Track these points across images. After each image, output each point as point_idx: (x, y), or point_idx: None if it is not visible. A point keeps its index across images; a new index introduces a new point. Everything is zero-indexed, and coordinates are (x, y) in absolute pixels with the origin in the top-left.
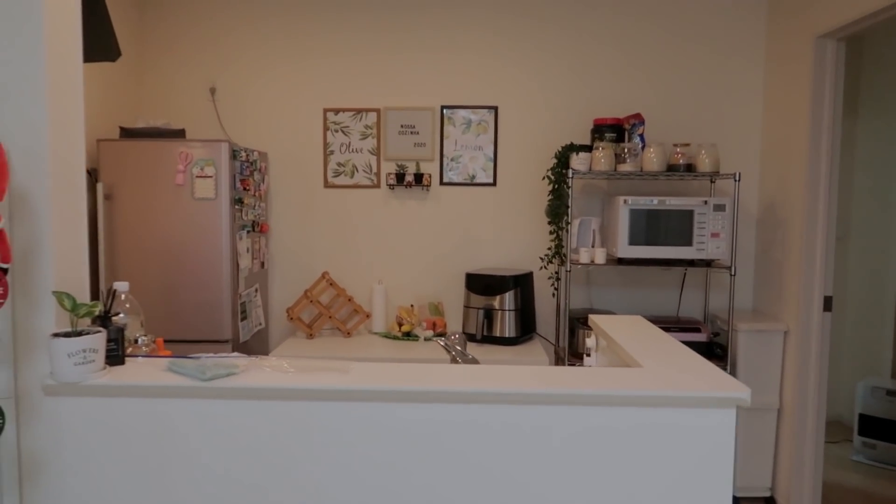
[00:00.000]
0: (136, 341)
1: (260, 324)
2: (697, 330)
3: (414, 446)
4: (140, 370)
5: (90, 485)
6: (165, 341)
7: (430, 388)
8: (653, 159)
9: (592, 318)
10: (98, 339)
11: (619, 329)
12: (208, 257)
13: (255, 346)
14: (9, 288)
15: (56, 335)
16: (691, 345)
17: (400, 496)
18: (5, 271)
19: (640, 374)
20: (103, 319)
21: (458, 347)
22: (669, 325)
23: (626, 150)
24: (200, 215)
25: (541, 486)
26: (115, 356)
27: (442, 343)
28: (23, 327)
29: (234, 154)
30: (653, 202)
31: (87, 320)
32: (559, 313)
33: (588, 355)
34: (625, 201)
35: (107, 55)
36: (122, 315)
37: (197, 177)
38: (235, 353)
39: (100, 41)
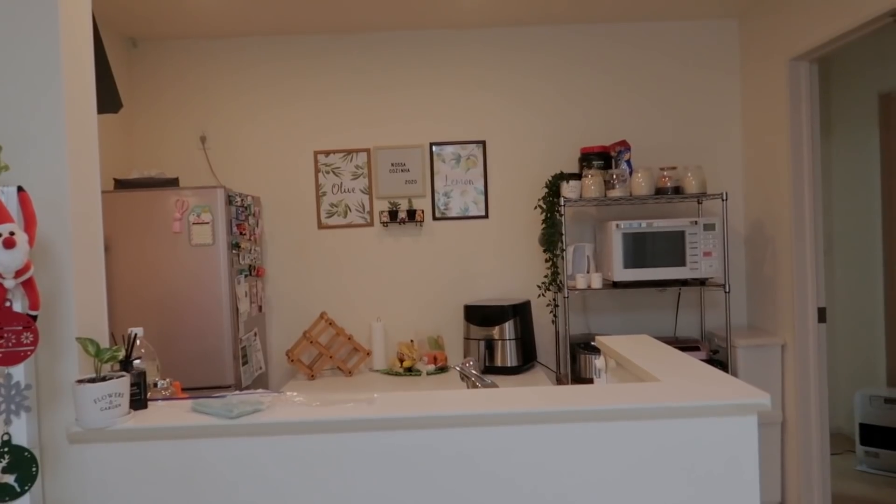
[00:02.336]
0: (154, 385)
1: (260, 368)
2: (697, 348)
3: (449, 471)
4: (165, 412)
5: None
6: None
7: (465, 413)
8: (641, 183)
9: (600, 339)
10: (123, 384)
11: (629, 348)
12: (208, 303)
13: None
14: (38, 335)
15: (81, 381)
16: None
17: None
18: (35, 318)
19: (662, 387)
20: (124, 364)
21: (475, 372)
22: (669, 345)
23: (614, 177)
24: (198, 262)
25: (580, 501)
26: (139, 400)
27: (458, 369)
28: (46, 375)
29: (229, 199)
30: (644, 225)
31: (109, 366)
32: (558, 340)
33: (598, 376)
34: (617, 226)
35: (111, 106)
36: (139, 360)
37: (194, 223)
38: (260, 390)
39: (104, 92)
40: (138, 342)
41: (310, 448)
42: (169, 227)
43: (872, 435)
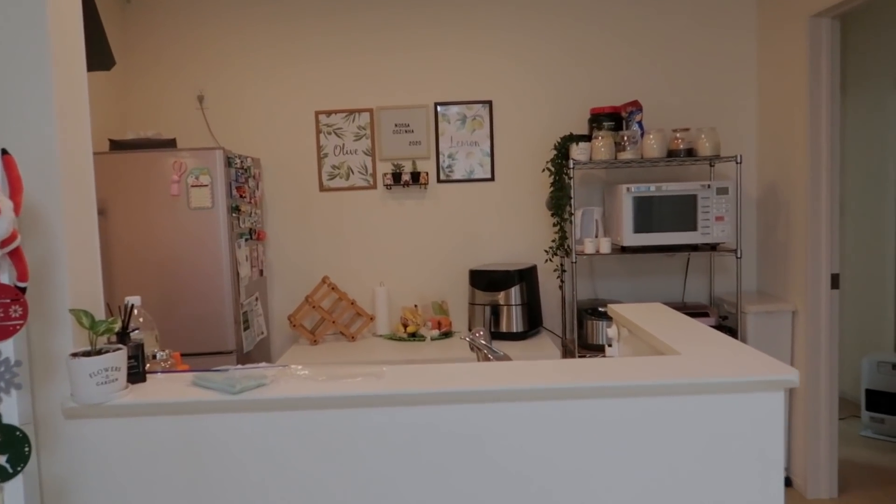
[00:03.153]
0: (153, 357)
1: (262, 333)
2: (706, 314)
3: (463, 447)
4: (165, 387)
5: None
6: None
7: (481, 389)
8: (653, 146)
9: (613, 307)
10: (120, 357)
11: (644, 317)
12: (208, 268)
13: (258, 355)
14: (28, 308)
15: (75, 355)
16: None
17: (449, 499)
18: (23, 290)
19: (684, 361)
20: (121, 336)
21: (485, 343)
22: (677, 311)
23: (625, 139)
24: (197, 226)
25: (600, 478)
26: (137, 373)
27: (468, 339)
28: (38, 349)
29: (228, 161)
30: (655, 189)
31: (105, 338)
32: (565, 305)
33: (609, 346)
34: (627, 189)
35: (102, 64)
36: (137, 331)
37: (192, 186)
38: (263, 364)
39: (95, 50)
40: (136, 312)
41: (317, 424)
42: (167, 189)
43: (879, 401)
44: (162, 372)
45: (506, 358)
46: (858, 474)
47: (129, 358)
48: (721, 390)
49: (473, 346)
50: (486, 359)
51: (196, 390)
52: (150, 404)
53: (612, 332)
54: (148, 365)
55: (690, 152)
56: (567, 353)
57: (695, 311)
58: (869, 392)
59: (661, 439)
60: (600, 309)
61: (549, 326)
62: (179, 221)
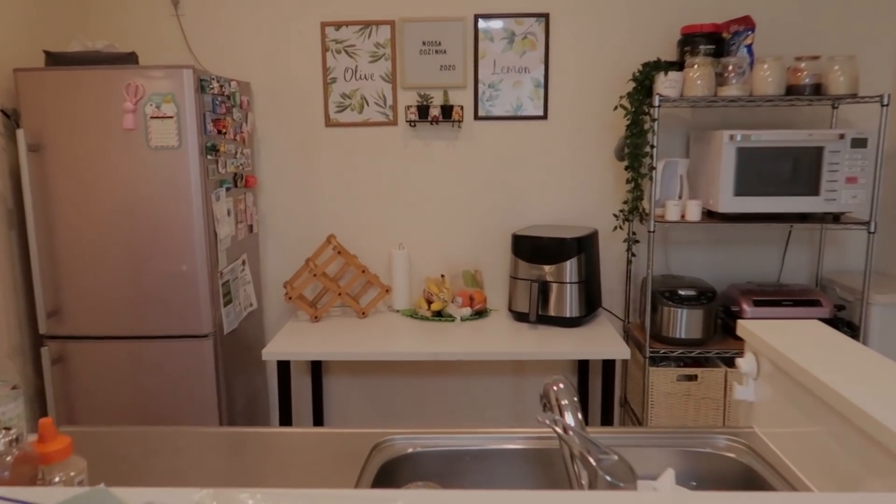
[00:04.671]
0: None
1: (251, 304)
2: (816, 303)
3: None
4: None
5: None
6: (126, 338)
7: None
8: (767, 78)
9: (747, 327)
10: None
11: (798, 345)
12: (174, 227)
13: (248, 333)
14: None
15: None
16: None
17: None
18: None
19: None
20: None
21: (577, 427)
22: (775, 296)
23: (729, 68)
24: (160, 170)
25: None
26: None
27: (548, 422)
28: None
29: (201, 85)
30: (769, 138)
31: None
32: (630, 282)
33: (740, 384)
34: (730, 137)
35: None
36: None
37: (152, 118)
38: (167, 490)
39: None
40: None
41: None
42: (119, 121)
43: None
44: None
45: (624, 466)
46: None
47: None
48: None
49: (561, 440)
50: (572, 460)
51: None
52: None
53: (745, 365)
54: None
55: (818, 89)
56: (630, 341)
57: (799, 299)
58: None
59: None
60: (682, 292)
61: (606, 305)
62: (136, 164)
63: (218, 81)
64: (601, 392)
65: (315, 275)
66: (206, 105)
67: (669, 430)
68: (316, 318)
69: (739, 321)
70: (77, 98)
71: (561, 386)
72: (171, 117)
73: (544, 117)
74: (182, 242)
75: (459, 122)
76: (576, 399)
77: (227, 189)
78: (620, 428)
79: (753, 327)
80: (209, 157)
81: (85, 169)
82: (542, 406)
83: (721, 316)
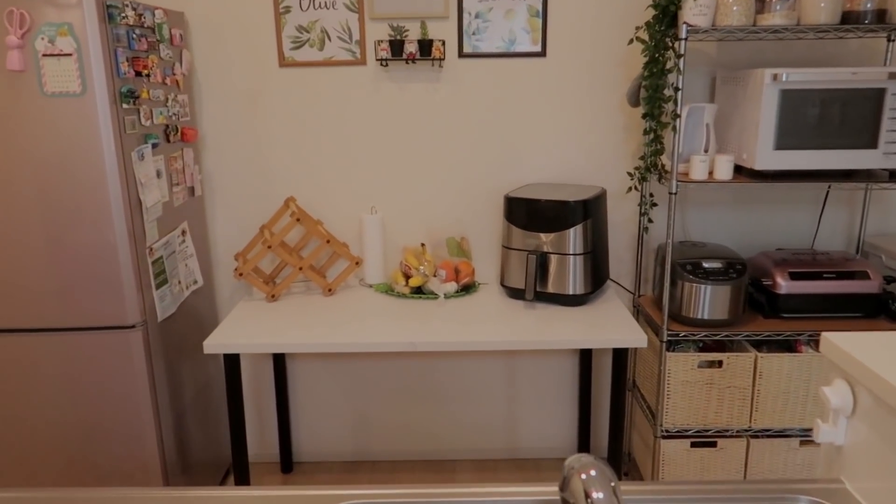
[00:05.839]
0: None
1: (195, 282)
2: (863, 275)
3: None
4: None
5: None
6: (40, 330)
7: None
8: (819, 3)
9: (836, 343)
10: None
11: None
12: (83, 194)
13: (195, 314)
14: None
15: None
16: (854, 298)
17: None
18: None
19: None
20: None
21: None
22: (813, 267)
23: None
24: (60, 123)
25: None
26: None
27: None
28: None
29: (109, 13)
30: (822, 77)
31: None
32: (641, 251)
33: (825, 423)
34: (774, 77)
35: None
36: None
37: (44, 55)
38: None
39: None
40: None
41: None
42: (2, 60)
43: None
44: None
45: None
46: None
47: None
48: None
49: None
50: None
51: None
52: None
53: (835, 397)
54: None
55: (881, 16)
56: (641, 317)
57: (843, 272)
58: None
59: None
60: (706, 265)
61: (614, 276)
62: (29, 116)
63: (134, 8)
64: (611, 380)
65: (270, 246)
66: (118, 39)
67: (730, 484)
68: (273, 296)
69: (823, 335)
70: None
71: (592, 473)
72: (70, 55)
73: (542, 54)
74: (95, 214)
75: (440, 60)
76: (613, 485)
77: (155, 145)
78: (664, 484)
79: (845, 343)
80: (125, 105)
81: None
82: (560, 498)
83: (748, 290)
